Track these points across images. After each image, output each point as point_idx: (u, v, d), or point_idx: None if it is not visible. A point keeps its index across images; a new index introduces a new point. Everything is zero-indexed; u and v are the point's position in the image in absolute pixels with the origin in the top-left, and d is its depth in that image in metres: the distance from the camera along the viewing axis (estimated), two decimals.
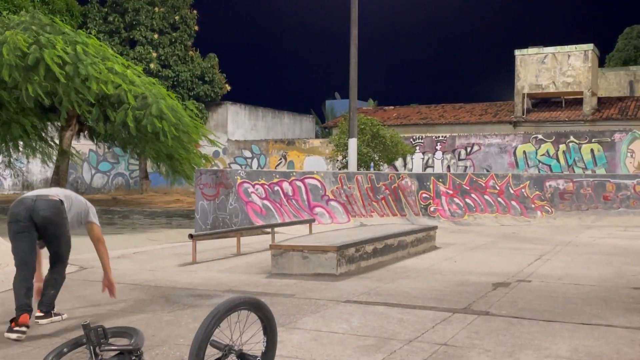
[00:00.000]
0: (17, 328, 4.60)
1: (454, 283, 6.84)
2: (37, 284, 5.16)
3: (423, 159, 26.53)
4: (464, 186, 16.55)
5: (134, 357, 2.88)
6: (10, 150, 21.80)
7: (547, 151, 24.43)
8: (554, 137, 24.54)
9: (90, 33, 23.20)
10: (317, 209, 14.11)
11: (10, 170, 27.43)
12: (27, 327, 4.67)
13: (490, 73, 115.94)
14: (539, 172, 22.77)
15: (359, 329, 4.87)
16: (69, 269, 7.85)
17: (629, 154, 22.87)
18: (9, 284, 6.77)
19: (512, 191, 16.72)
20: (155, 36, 30.78)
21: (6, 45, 17.02)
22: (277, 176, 14.15)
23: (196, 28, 32.67)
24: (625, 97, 31.55)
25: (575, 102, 30.51)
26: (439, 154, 26.32)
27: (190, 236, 9.00)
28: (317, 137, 38.18)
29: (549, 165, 24.16)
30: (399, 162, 25.97)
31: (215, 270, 7.97)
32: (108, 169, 32.92)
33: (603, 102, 30.41)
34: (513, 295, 6.16)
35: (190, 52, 32.24)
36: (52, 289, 5.18)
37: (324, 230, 10.77)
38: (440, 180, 16.56)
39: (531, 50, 30.16)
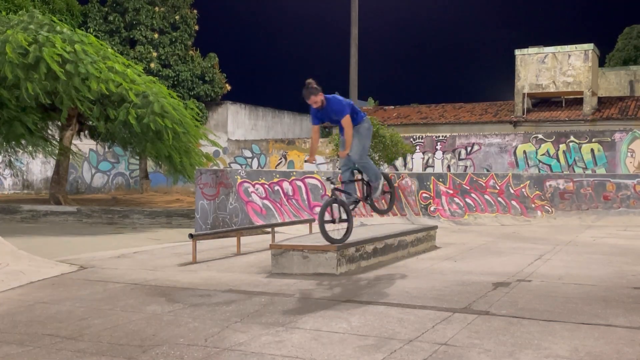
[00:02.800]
0: None
1: (454, 283, 6.84)
2: None
3: (423, 158, 26.53)
4: (464, 186, 16.54)
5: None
6: (13, 148, 21.80)
7: (547, 151, 24.44)
8: (554, 137, 24.56)
9: (89, 32, 23.19)
10: (318, 209, 14.10)
11: (10, 170, 27.44)
12: None
13: (490, 73, 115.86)
14: (539, 171, 22.77)
15: (359, 329, 4.86)
16: (68, 269, 7.86)
17: (629, 154, 22.87)
18: (9, 284, 6.79)
19: (512, 191, 16.71)
20: (156, 36, 30.78)
21: (9, 44, 17.05)
22: (277, 176, 14.14)
23: (196, 28, 32.69)
24: (626, 97, 31.56)
25: (576, 101, 30.52)
26: (439, 154, 26.33)
27: (191, 236, 9.00)
28: None
29: (549, 165, 24.18)
30: (399, 162, 25.98)
31: (216, 269, 7.97)
32: (108, 169, 32.92)
33: (603, 102, 30.42)
34: (513, 295, 6.16)
35: (191, 52, 32.25)
36: None
37: None
38: (441, 180, 16.56)
39: (531, 50, 30.18)
